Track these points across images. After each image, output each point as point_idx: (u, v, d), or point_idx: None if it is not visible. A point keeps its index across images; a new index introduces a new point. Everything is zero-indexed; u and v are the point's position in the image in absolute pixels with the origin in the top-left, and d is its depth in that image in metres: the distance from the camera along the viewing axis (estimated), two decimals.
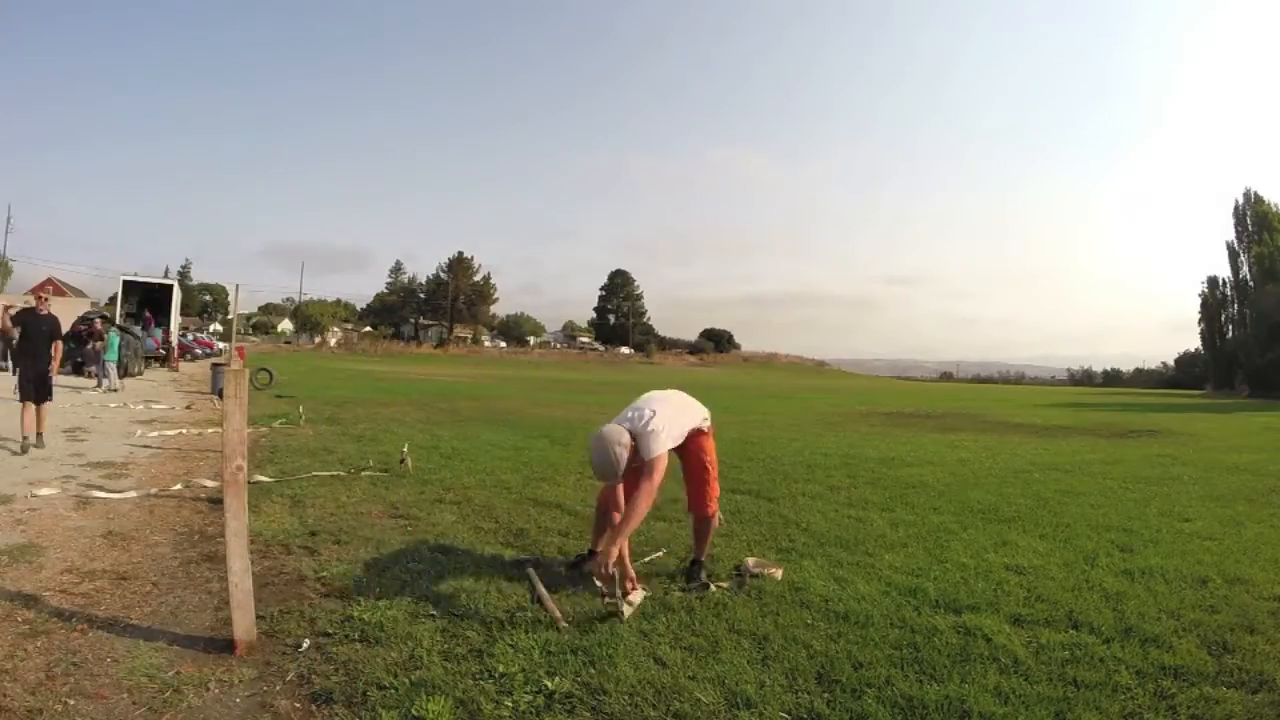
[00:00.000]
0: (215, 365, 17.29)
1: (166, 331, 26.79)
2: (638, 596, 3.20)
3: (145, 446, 7.73)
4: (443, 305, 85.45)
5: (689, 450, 3.70)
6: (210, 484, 5.63)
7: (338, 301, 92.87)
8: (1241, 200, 57.95)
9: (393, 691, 2.36)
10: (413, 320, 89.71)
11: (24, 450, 6.83)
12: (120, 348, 16.92)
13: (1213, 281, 60.44)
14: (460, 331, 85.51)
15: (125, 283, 26.76)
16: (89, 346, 18.40)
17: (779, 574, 3.64)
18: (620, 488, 3.44)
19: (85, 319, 20.13)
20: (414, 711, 2.23)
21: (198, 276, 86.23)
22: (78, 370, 18.51)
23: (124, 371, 18.49)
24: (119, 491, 5.33)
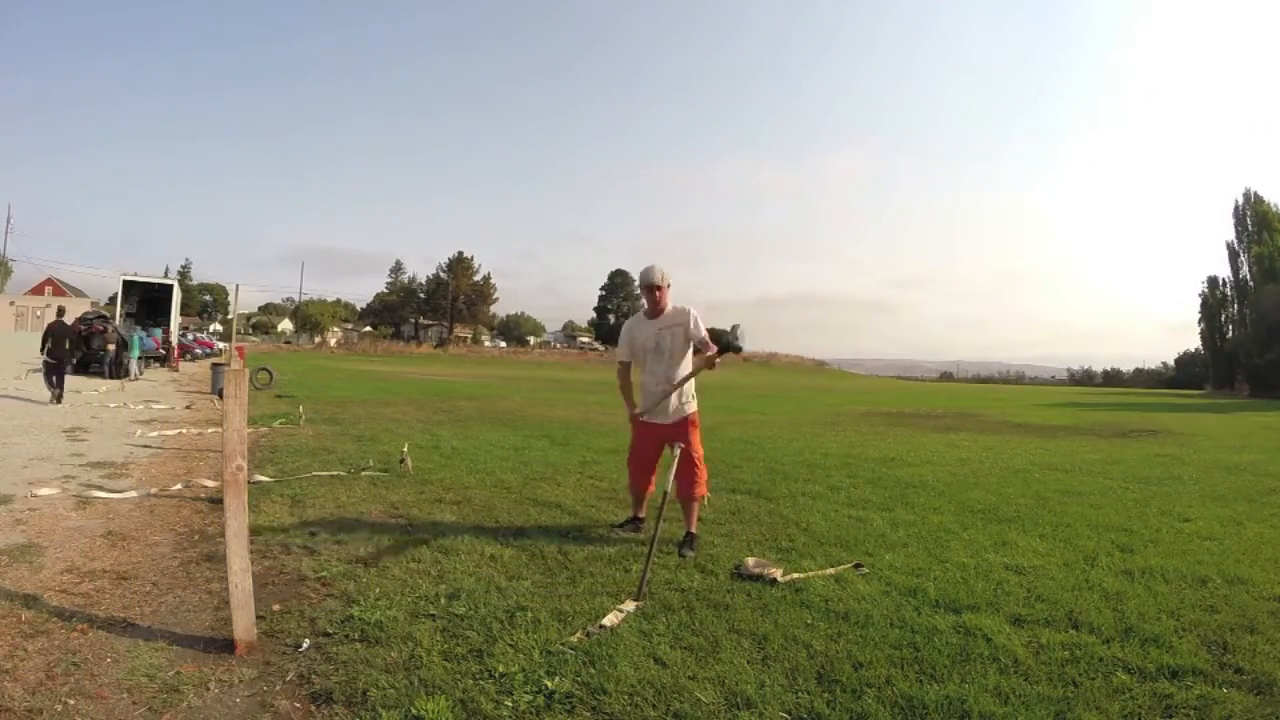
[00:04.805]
0: (215, 365, 17.30)
1: (166, 331, 26.77)
2: (630, 606, 3.19)
3: (145, 446, 7.73)
4: (443, 305, 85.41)
5: (678, 435, 4.21)
6: (210, 484, 5.63)
7: (338, 301, 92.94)
8: (1241, 200, 57.97)
9: (393, 691, 2.36)
10: (413, 320, 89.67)
11: None
12: (137, 345, 17.78)
13: (1213, 281, 60.48)
14: (460, 331, 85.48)
15: (125, 282, 26.72)
16: (93, 347, 18.53)
17: (779, 574, 3.64)
18: (648, 470, 4.45)
19: (85, 319, 20.13)
20: (414, 711, 2.23)
21: (198, 276, 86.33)
22: (81, 370, 18.54)
23: (125, 372, 18.54)
24: (119, 491, 5.32)
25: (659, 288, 4.17)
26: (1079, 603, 3.42)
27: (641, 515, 4.66)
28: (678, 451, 4.07)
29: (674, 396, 4.22)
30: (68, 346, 12.37)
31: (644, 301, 4.33)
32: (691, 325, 4.19)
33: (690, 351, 4.24)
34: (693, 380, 4.28)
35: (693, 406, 4.33)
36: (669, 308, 4.25)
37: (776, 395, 28.79)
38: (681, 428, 4.26)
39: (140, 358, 18.37)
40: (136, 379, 16.98)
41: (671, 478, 3.97)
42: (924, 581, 3.67)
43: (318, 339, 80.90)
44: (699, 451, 4.30)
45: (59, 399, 11.62)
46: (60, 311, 13.27)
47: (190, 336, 41.73)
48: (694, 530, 4.30)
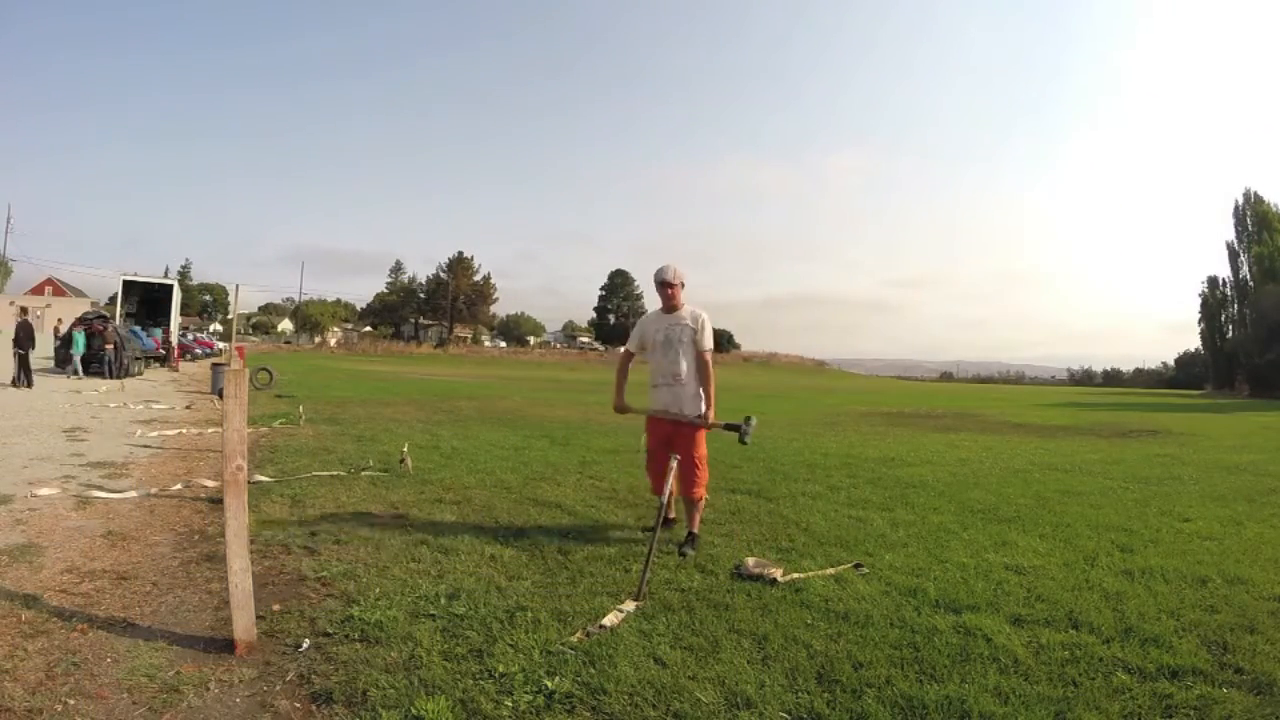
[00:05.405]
0: (215, 365, 17.31)
1: (166, 331, 26.77)
2: (630, 606, 3.19)
3: (145, 446, 7.73)
4: (443, 305, 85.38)
5: (683, 437, 4.28)
6: (210, 484, 5.63)
7: (338, 301, 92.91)
8: (1241, 200, 57.97)
9: (393, 691, 2.36)
10: (413, 320, 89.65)
11: None
12: (80, 345, 18.41)
13: (1213, 281, 60.48)
14: (460, 331, 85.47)
15: (125, 282, 26.75)
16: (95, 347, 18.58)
17: (779, 574, 3.64)
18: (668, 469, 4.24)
19: (84, 319, 20.13)
20: (414, 711, 2.23)
21: (198, 276, 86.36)
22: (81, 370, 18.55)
23: (124, 372, 18.54)
24: (119, 491, 5.32)
25: (671, 285, 4.35)
26: (1079, 603, 3.42)
27: (672, 515, 4.63)
28: (674, 462, 4.09)
29: (685, 391, 4.31)
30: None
31: (658, 298, 4.48)
32: (699, 329, 4.33)
33: (695, 353, 4.33)
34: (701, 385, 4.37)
35: (703, 407, 4.35)
36: (683, 307, 4.42)
37: (776, 395, 28.79)
38: (692, 426, 4.31)
39: (111, 359, 18.42)
40: (81, 376, 17.39)
41: (668, 486, 3.97)
42: (924, 581, 3.67)
43: (318, 339, 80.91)
44: (703, 452, 4.38)
45: (29, 384, 14.26)
46: (24, 311, 16.90)
47: (190, 336, 41.74)
48: (695, 530, 4.37)
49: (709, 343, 4.34)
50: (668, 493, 4.14)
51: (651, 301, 4.76)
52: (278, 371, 19.83)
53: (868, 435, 12.14)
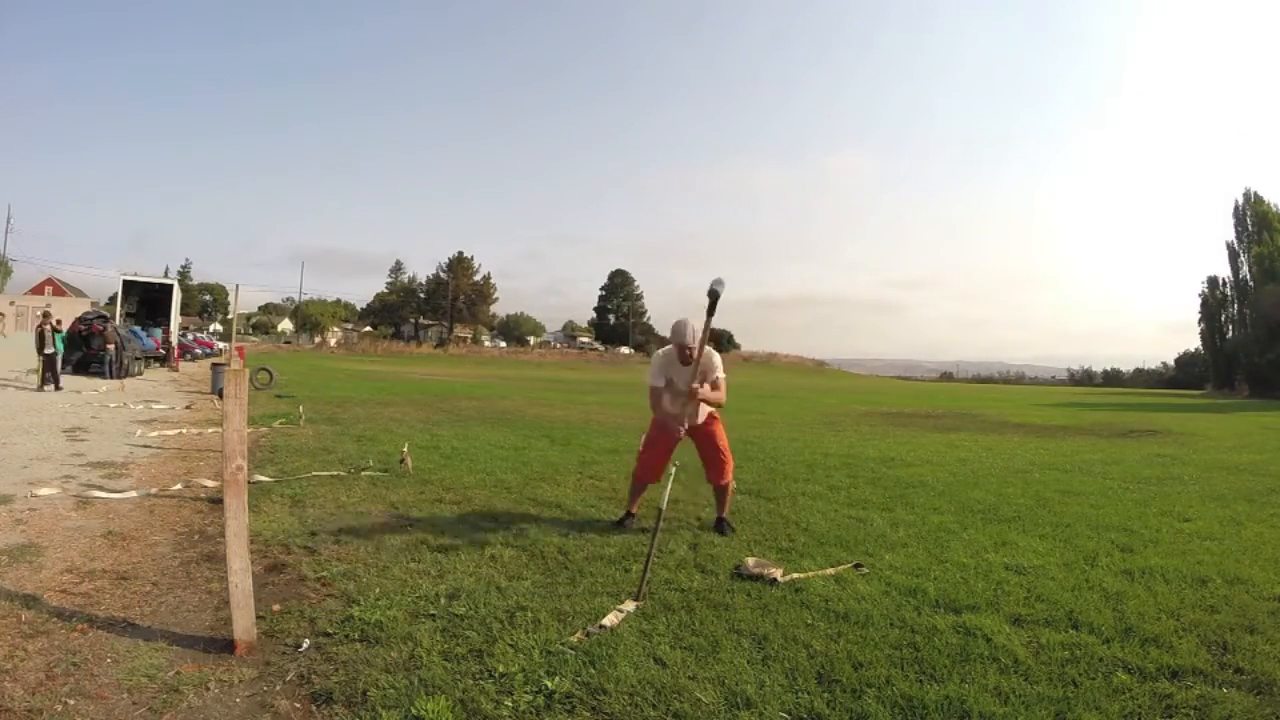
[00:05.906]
0: (215, 365, 17.30)
1: (166, 331, 26.78)
2: (630, 606, 3.19)
3: (145, 446, 7.73)
4: (443, 305, 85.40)
5: (705, 433, 4.75)
6: (210, 484, 5.63)
7: (338, 301, 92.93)
8: (1241, 200, 57.93)
9: (393, 691, 2.36)
10: (413, 320, 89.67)
11: None
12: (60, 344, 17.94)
13: (1213, 281, 60.47)
14: (460, 331, 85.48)
15: (125, 282, 26.77)
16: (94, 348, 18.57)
17: (779, 574, 3.64)
18: (657, 465, 4.72)
19: (84, 319, 20.14)
20: (414, 711, 2.23)
21: (198, 276, 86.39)
22: (81, 370, 18.55)
23: (125, 372, 18.55)
24: (119, 491, 5.32)
25: (690, 348, 4.52)
26: (1079, 603, 3.42)
27: (635, 510, 4.90)
28: (673, 469, 4.13)
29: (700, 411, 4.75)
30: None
31: (676, 333, 4.62)
32: (714, 373, 4.59)
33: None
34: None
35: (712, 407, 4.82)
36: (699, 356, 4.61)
37: (776, 395, 28.79)
38: (707, 424, 4.81)
39: (108, 359, 18.13)
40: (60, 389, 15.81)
41: (667, 491, 3.96)
42: (924, 581, 3.67)
43: (318, 339, 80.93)
44: (726, 444, 4.85)
45: (56, 386, 14.38)
46: (46, 316, 16.76)
47: (190, 336, 41.77)
48: (725, 515, 4.79)
49: (719, 374, 4.62)
50: (666, 493, 4.14)
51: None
52: (278, 371, 19.84)
53: (868, 435, 12.14)
